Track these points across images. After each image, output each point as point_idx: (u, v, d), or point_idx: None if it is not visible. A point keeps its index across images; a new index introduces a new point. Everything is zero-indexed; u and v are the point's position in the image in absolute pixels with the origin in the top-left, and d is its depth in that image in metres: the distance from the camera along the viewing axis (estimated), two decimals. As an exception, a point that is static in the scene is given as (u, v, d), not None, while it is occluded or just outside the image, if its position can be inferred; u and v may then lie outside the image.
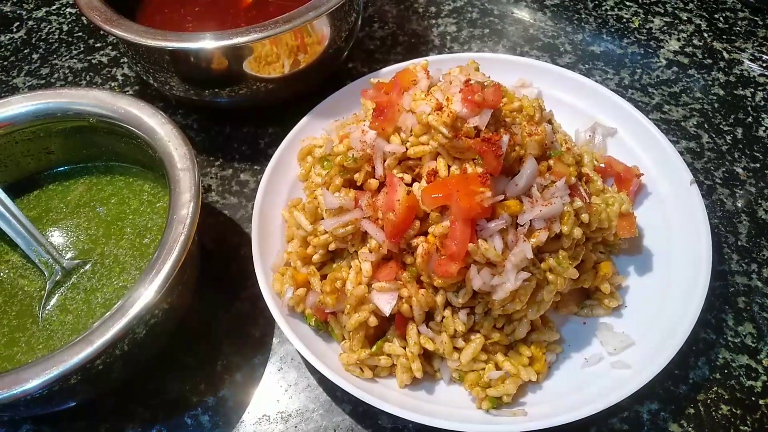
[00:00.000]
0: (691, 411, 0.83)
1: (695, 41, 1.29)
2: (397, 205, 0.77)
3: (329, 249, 0.86)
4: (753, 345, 0.88)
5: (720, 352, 0.88)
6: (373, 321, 0.81)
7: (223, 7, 1.16)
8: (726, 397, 0.84)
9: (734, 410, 0.83)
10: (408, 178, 0.82)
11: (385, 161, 0.82)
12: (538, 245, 0.77)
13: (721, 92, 1.19)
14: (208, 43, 0.96)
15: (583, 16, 1.35)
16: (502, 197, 0.77)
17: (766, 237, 0.99)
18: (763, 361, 0.87)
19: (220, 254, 1.00)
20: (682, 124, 1.14)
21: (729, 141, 1.12)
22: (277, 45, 1.02)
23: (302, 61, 1.07)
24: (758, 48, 1.26)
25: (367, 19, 1.36)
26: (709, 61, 1.25)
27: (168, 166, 0.85)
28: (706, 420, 0.82)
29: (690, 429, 0.81)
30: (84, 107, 0.92)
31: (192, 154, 0.85)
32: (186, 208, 0.80)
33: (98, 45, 1.35)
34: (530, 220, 0.77)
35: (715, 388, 0.85)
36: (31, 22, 1.41)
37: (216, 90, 1.08)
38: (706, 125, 1.14)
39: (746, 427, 0.81)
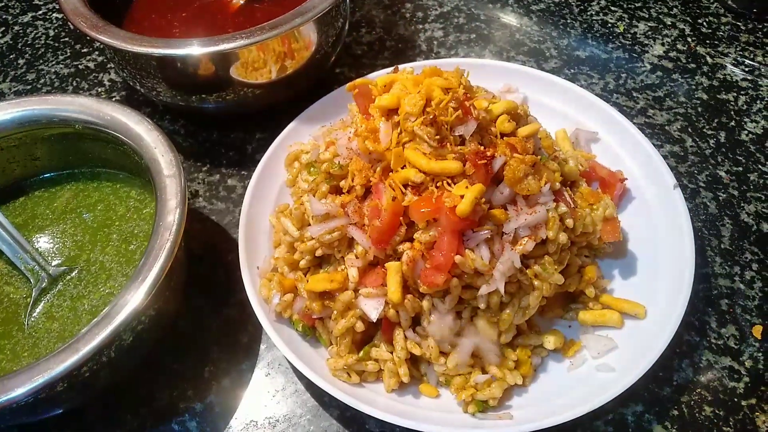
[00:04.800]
0: (675, 413, 0.84)
1: (679, 46, 1.30)
2: (383, 212, 0.78)
3: (316, 255, 0.87)
4: (735, 347, 0.89)
5: (703, 354, 0.89)
6: (360, 326, 0.81)
7: (210, 13, 1.16)
8: (709, 398, 0.85)
9: (717, 411, 0.84)
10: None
11: (372, 167, 0.82)
12: (525, 253, 0.78)
13: (705, 96, 1.21)
14: (194, 49, 0.96)
15: (568, 21, 1.36)
16: (487, 206, 0.77)
17: (749, 240, 1.00)
18: (746, 363, 0.88)
19: (207, 260, 1.00)
20: (666, 128, 1.16)
21: (712, 145, 1.13)
22: (264, 51, 1.02)
23: (289, 67, 1.07)
24: (741, 53, 1.28)
25: (354, 24, 1.36)
26: (693, 65, 1.26)
27: (154, 172, 0.85)
28: (689, 421, 0.83)
29: (674, 431, 0.82)
30: (70, 114, 0.92)
31: (178, 160, 0.85)
32: (172, 215, 0.80)
33: (85, 50, 1.35)
34: (515, 228, 0.78)
35: (699, 390, 0.86)
36: (17, 27, 1.40)
37: (203, 96, 1.08)
38: (689, 129, 1.15)
39: (729, 428, 0.82)
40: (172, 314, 0.89)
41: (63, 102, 0.92)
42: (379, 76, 0.95)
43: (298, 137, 1.04)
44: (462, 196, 0.75)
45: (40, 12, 1.44)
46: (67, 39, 1.37)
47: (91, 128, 0.91)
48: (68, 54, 1.34)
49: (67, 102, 0.92)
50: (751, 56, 1.27)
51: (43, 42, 1.37)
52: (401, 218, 0.79)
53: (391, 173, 0.81)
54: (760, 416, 0.83)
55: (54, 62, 1.32)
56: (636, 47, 1.30)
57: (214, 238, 1.03)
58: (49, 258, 0.91)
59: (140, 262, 0.76)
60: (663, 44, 1.31)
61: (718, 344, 0.90)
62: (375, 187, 0.81)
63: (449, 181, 0.78)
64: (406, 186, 0.80)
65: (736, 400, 0.85)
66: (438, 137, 0.79)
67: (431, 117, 0.79)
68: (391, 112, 0.83)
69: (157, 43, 0.97)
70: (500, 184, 0.79)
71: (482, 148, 0.80)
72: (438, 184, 0.78)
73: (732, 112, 1.18)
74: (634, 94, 1.21)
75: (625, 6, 1.39)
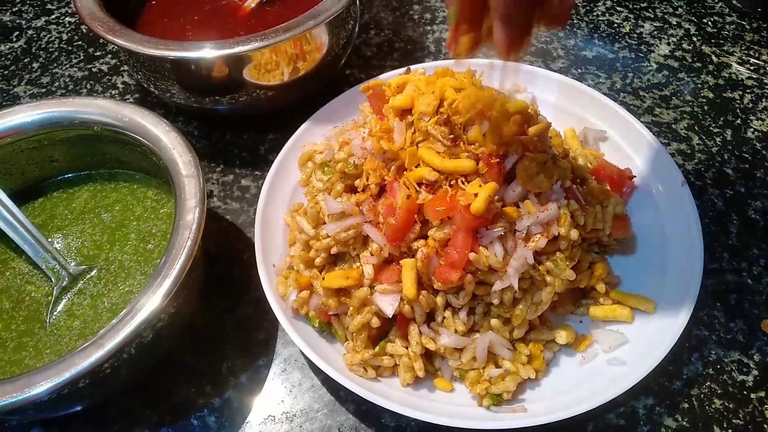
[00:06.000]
0: (686, 405, 0.85)
1: (685, 45, 1.32)
2: (398, 210, 0.80)
3: (331, 252, 0.88)
4: (744, 341, 0.91)
5: (712, 348, 0.90)
6: (375, 322, 0.83)
7: (222, 16, 1.18)
8: (719, 391, 0.86)
9: (727, 404, 0.85)
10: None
11: (386, 167, 0.84)
12: (537, 249, 0.79)
13: (711, 95, 1.22)
14: (209, 52, 0.98)
15: (575, 21, 1.38)
16: (500, 204, 0.79)
17: (756, 236, 1.01)
18: (755, 357, 0.89)
19: (223, 259, 1.02)
20: (673, 126, 1.17)
21: (719, 143, 1.14)
22: (276, 53, 1.04)
23: (301, 69, 1.09)
24: (746, 52, 1.29)
25: (364, 26, 1.38)
26: (699, 64, 1.28)
27: (173, 172, 0.86)
28: (699, 414, 0.84)
29: (684, 423, 0.84)
30: (89, 116, 0.93)
31: (197, 160, 0.87)
32: (192, 214, 0.81)
33: (98, 54, 1.37)
34: (527, 226, 0.79)
35: (708, 383, 0.87)
36: (30, 32, 1.42)
37: (216, 97, 1.10)
38: (696, 127, 1.17)
39: (739, 421, 0.84)
40: (191, 312, 0.90)
41: (82, 104, 0.94)
42: (392, 77, 0.96)
43: (310, 137, 1.06)
44: (476, 195, 0.76)
45: (53, 16, 1.46)
46: (80, 42, 1.39)
47: (109, 130, 0.93)
48: (82, 57, 1.36)
49: (86, 104, 0.94)
50: (756, 55, 1.29)
51: (56, 46, 1.39)
52: (415, 216, 0.80)
53: (405, 172, 0.82)
54: (769, 409, 0.85)
55: (68, 65, 1.34)
56: (642, 47, 1.32)
57: (229, 238, 1.05)
58: (69, 257, 0.93)
59: (161, 261, 0.78)
60: (669, 44, 1.32)
61: (727, 338, 0.91)
62: (389, 186, 0.83)
63: (463, 180, 0.79)
64: (420, 184, 0.82)
65: (745, 393, 0.86)
66: (451, 136, 0.80)
67: (445, 117, 0.81)
68: (404, 113, 0.85)
69: (172, 46, 0.99)
70: (512, 182, 0.81)
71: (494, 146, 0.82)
72: (452, 183, 0.80)
73: (738, 110, 1.19)
74: (641, 93, 1.23)
75: (630, 6, 1.41)
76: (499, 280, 0.79)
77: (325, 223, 0.88)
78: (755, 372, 0.88)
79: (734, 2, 1.38)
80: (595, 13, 1.39)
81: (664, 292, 0.88)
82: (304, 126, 1.07)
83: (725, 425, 0.83)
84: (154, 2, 1.22)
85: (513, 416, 0.78)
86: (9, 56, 1.37)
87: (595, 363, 0.85)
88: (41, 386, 0.69)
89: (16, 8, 1.48)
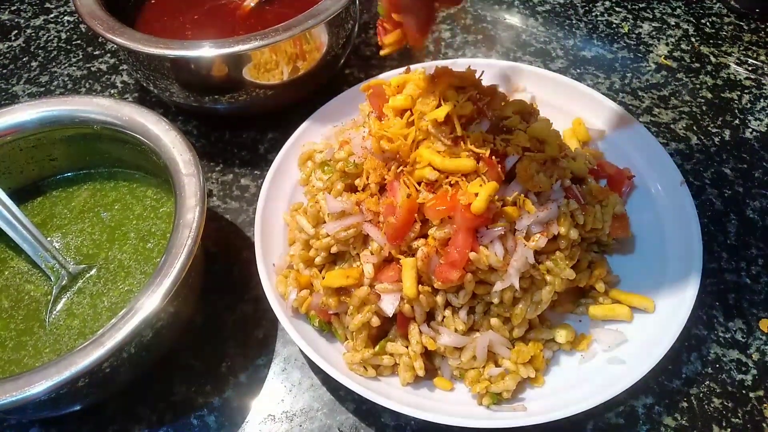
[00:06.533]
0: (685, 405, 0.85)
1: (683, 46, 1.32)
2: (398, 209, 0.80)
3: (331, 252, 0.88)
4: (743, 340, 0.91)
5: (711, 347, 0.90)
6: (375, 321, 0.83)
7: (221, 16, 1.18)
8: (718, 390, 0.86)
9: (726, 403, 0.85)
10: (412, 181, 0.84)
11: (386, 166, 0.84)
12: (537, 249, 0.79)
13: (709, 95, 1.23)
14: (209, 51, 0.98)
15: (573, 21, 1.38)
16: (500, 203, 0.79)
17: (754, 235, 1.02)
18: (753, 356, 0.89)
19: (222, 258, 1.02)
20: (672, 126, 1.17)
21: (717, 142, 1.15)
22: (276, 52, 1.04)
23: (301, 68, 1.09)
24: (744, 52, 1.30)
25: (363, 25, 1.38)
26: (697, 65, 1.28)
27: (173, 171, 0.86)
28: (699, 413, 0.85)
29: (683, 422, 0.84)
30: (89, 114, 0.93)
31: (196, 159, 0.87)
32: (192, 213, 0.81)
33: (97, 53, 1.36)
34: (528, 225, 0.79)
35: (707, 382, 0.87)
36: (29, 30, 1.42)
37: (216, 97, 1.10)
38: (694, 127, 1.17)
39: (737, 420, 0.84)
40: (190, 311, 0.90)
41: (82, 103, 0.94)
42: (392, 76, 0.96)
43: (310, 137, 1.06)
44: (476, 194, 0.77)
45: (52, 15, 1.46)
46: (79, 42, 1.39)
47: (109, 129, 0.93)
48: (80, 56, 1.36)
49: (86, 103, 0.94)
50: (755, 56, 1.29)
51: (55, 45, 1.38)
52: (416, 215, 0.80)
53: (405, 171, 0.82)
54: (768, 408, 0.85)
55: (66, 65, 1.34)
56: (641, 47, 1.32)
57: (229, 237, 1.05)
58: (68, 256, 0.93)
59: (161, 260, 0.78)
60: (667, 44, 1.32)
61: (726, 338, 0.91)
62: (390, 185, 0.83)
63: (463, 179, 0.79)
64: (420, 184, 0.81)
65: (744, 392, 0.86)
66: (452, 136, 0.80)
67: (445, 116, 0.81)
68: (404, 112, 0.85)
69: (172, 44, 0.99)
70: (513, 182, 0.81)
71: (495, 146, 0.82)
72: (452, 182, 0.80)
73: (736, 111, 1.20)
74: (640, 93, 1.23)
75: (629, 7, 1.41)
76: (499, 280, 0.79)
77: (325, 222, 0.88)
78: (754, 371, 0.88)
79: (732, 3, 1.38)
80: (593, 14, 1.40)
81: (663, 291, 0.88)
82: (303, 125, 1.07)
83: (724, 424, 0.84)
84: (153, 1, 1.22)
85: (513, 415, 0.79)
86: (8, 55, 1.36)
87: (594, 362, 0.85)
88: (40, 385, 0.69)
89: (15, 7, 1.48)
